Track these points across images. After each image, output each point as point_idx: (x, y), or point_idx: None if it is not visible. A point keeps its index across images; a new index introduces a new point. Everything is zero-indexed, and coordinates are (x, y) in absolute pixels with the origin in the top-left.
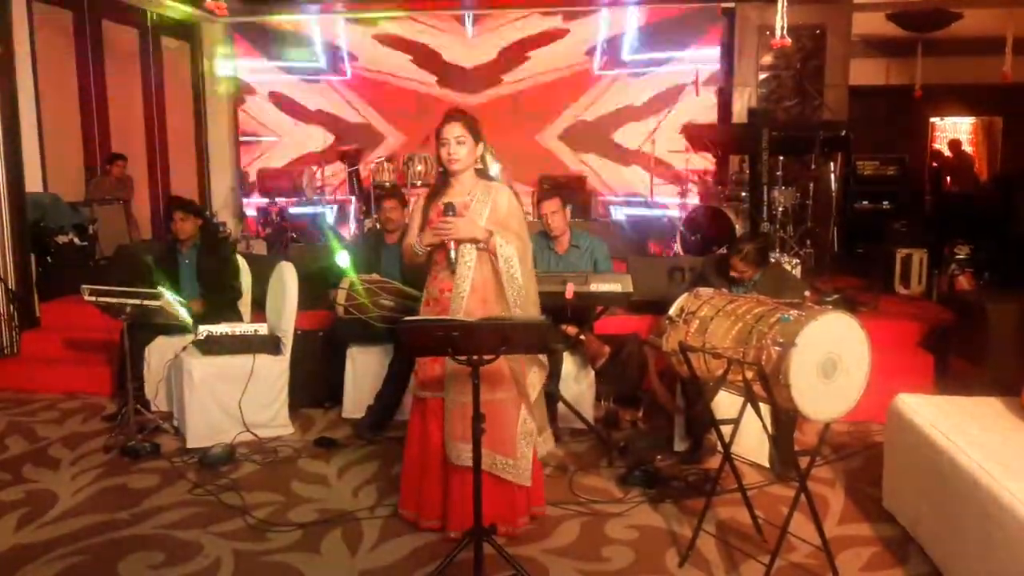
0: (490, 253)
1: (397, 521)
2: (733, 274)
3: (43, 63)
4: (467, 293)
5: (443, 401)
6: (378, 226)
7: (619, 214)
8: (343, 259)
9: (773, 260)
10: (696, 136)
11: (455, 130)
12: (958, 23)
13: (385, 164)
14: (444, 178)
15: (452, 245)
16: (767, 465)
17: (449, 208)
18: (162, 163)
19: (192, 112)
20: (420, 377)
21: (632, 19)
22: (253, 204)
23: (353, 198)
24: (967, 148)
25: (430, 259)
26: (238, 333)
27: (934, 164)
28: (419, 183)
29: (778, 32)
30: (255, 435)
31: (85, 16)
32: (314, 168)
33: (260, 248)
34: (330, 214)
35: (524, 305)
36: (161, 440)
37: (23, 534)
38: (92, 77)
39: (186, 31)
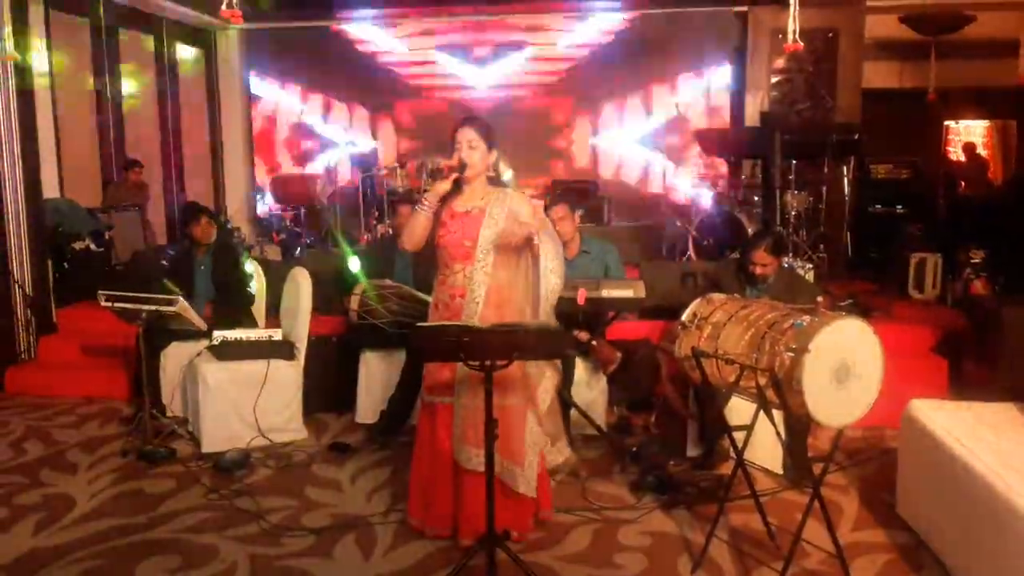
0: (532, 253)
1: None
2: (756, 270)
3: (59, 69)
4: (482, 299)
5: (452, 406)
6: (391, 232)
7: None
8: (354, 264)
9: (786, 265)
10: (708, 140)
11: (468, 134)
12: (972, 26)
13: (398, 170)
14: (457, 182)
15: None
16: (780, 471)
17: None
18: (177, 169)
19: (207, 118)
20: (428, 382)
21: None
22: (267, 209)
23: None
24: (981, 151)
25: (437, 263)
26: (253, 338)
27: (947, 170)
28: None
29: (790, 36)
30: (269, 440)
31: (102, 24)
32: (327, 174)
33: (274, 254)
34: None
35: (554, 302)
36: (177, 445)
37: (40, 538)
38: (108, 83)
39: (201, 38)
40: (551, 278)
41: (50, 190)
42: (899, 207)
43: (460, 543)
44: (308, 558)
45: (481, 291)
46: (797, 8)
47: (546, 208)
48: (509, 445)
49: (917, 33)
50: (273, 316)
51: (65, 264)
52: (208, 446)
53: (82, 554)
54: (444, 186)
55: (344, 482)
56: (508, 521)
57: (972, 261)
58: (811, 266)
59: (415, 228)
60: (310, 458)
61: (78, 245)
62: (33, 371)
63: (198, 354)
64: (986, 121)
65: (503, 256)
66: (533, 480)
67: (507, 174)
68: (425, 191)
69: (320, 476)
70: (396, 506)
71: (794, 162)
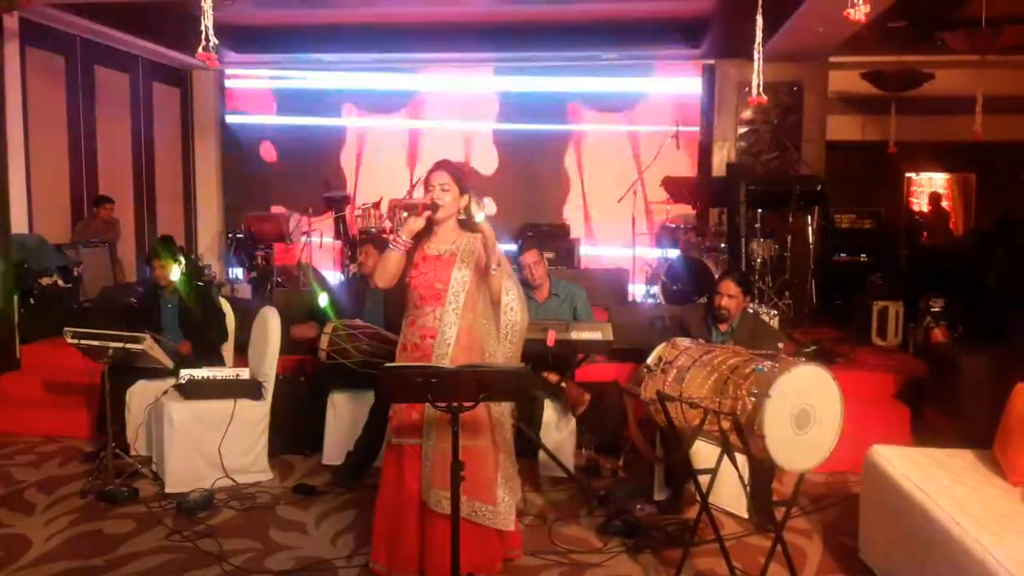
0: (490, 287)
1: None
2: (723, 300)
3: (33, 106)
4: (453, 340)
5: (420, 448)
6: (361, 271)
7: None
8: (323, 300)
9: (751, 311)
10: (676, 189)
11: (441, 177)
12: (930, 83)
13: (371, 211)
14: (428, 225)
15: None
16: (745, 515)
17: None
18: (149, 206)
19: (180, 156)
20: (395, 423)
21: None
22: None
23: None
24: (944, 203)
25: (406, 303)
26: (220, 377)
27: (910, 220)
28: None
29: (755, 90)
30: (234, 481)
31: (77, 61)
32: (299, 215)
33: (244, 292)
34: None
35: (516, 341)
36: (140, 485)
37: None
38: (82, 120)
39: (177, 78)
40: (511, 314)
41: (19, 225)
42: (863, 256)
43: None
44: None
45: (452, 332)
46: (762, 63)
47: (517, 254)
48: (480, 485)
49: (878, 89)
50: (241, 355)
51: (31, 300)
52: (172, 486)
53: None
54: (417, 223)
55: (309, 525)
56: (476, 563)
57: (932, 310)
58: (776, 313)
59: (388, 265)
60: (275, 500)
61: (45, 281)
62: None
63: (164, 393)
64: (946, 174)
65: (473, 299)
66: (511, 515)
67: (479, 216)
68: (396, 230)
69: (284, 518)
70: (361, 550)
71: (760, 211)
